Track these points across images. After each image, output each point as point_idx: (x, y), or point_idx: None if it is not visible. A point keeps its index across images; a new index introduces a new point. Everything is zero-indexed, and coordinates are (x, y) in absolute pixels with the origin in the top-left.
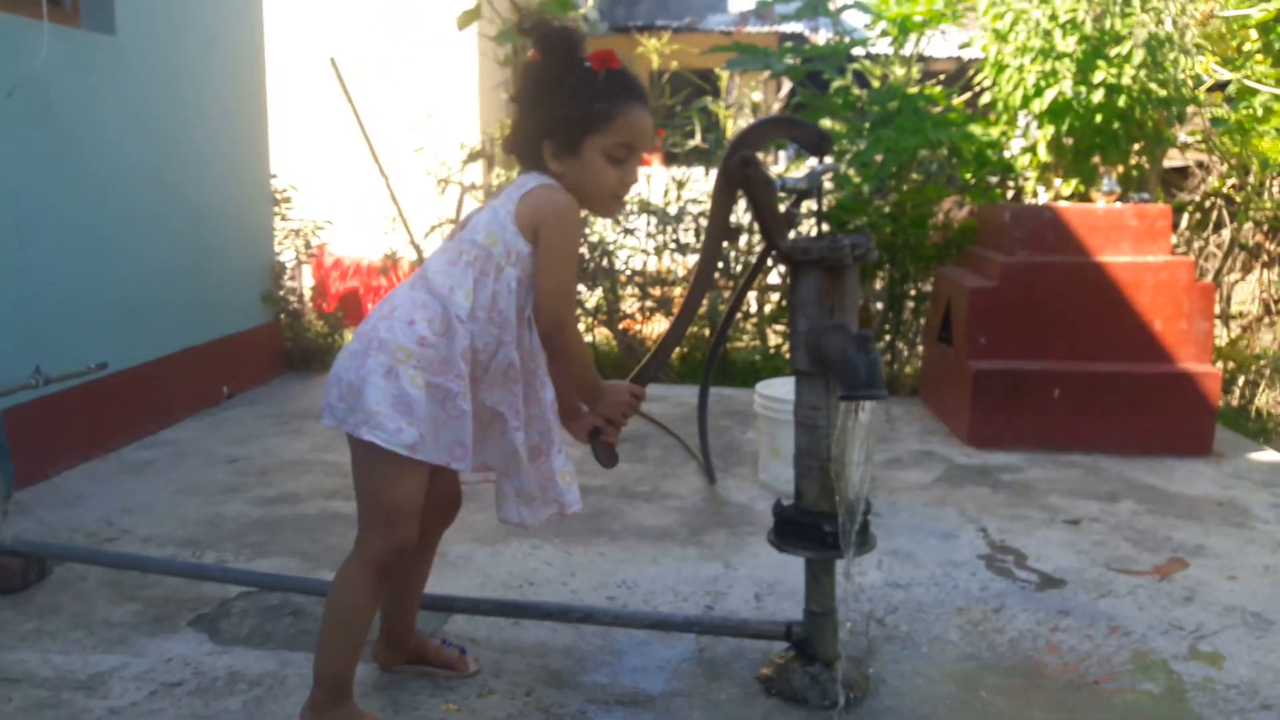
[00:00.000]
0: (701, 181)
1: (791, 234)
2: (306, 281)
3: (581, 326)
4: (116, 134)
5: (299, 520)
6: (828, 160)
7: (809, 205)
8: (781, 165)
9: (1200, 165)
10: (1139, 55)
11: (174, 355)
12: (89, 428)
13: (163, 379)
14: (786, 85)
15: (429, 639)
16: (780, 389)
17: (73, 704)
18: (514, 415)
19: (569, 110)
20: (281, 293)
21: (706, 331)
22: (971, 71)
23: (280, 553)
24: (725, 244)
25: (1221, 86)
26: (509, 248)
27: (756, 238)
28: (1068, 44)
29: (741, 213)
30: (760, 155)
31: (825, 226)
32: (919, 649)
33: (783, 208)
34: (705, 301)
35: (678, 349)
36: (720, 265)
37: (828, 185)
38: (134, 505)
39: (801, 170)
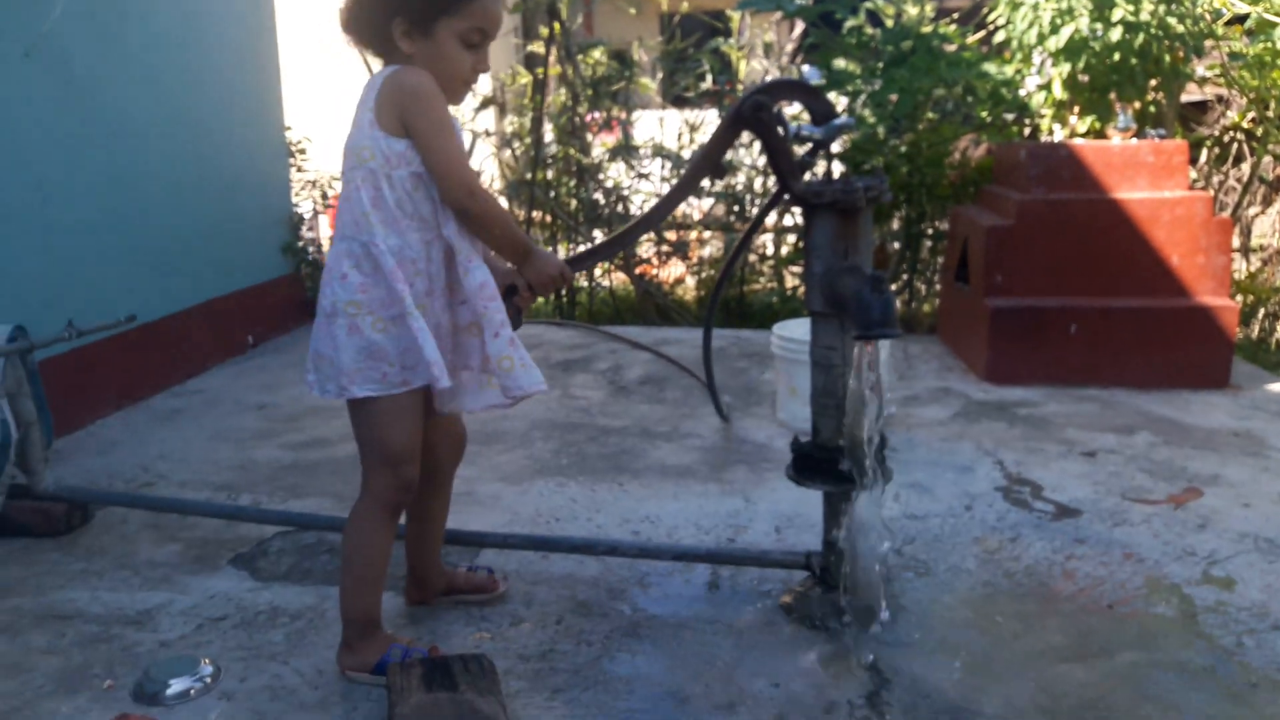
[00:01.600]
0: (715, 124)
1: (805, 176)
2: (324, 231)
3: (599, 271)
4: (132, 90)
5: (330, 463)
6: (846, 117)
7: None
8: (797, 107)
9: (1220, 99)
10: None
11: (199, 306)
12: (121, 378)
13: (189, 329)
14: (800, 25)
15: (456, 569)
16: (797, 330)
17: (124, 637)
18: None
19: None
20: (300, 244)
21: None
22: (986, 9)
23: (313, 494)
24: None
25: (1241, 19)
26: (385, 154)
27: (770, 181)
28: None
29: (757, 155)
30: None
31: (840, 166)
32: (936, 577)
33: (800, 153)
34: (721, 244)
35: (693, 294)
36: (736, 208)
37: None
38: (168, 452)
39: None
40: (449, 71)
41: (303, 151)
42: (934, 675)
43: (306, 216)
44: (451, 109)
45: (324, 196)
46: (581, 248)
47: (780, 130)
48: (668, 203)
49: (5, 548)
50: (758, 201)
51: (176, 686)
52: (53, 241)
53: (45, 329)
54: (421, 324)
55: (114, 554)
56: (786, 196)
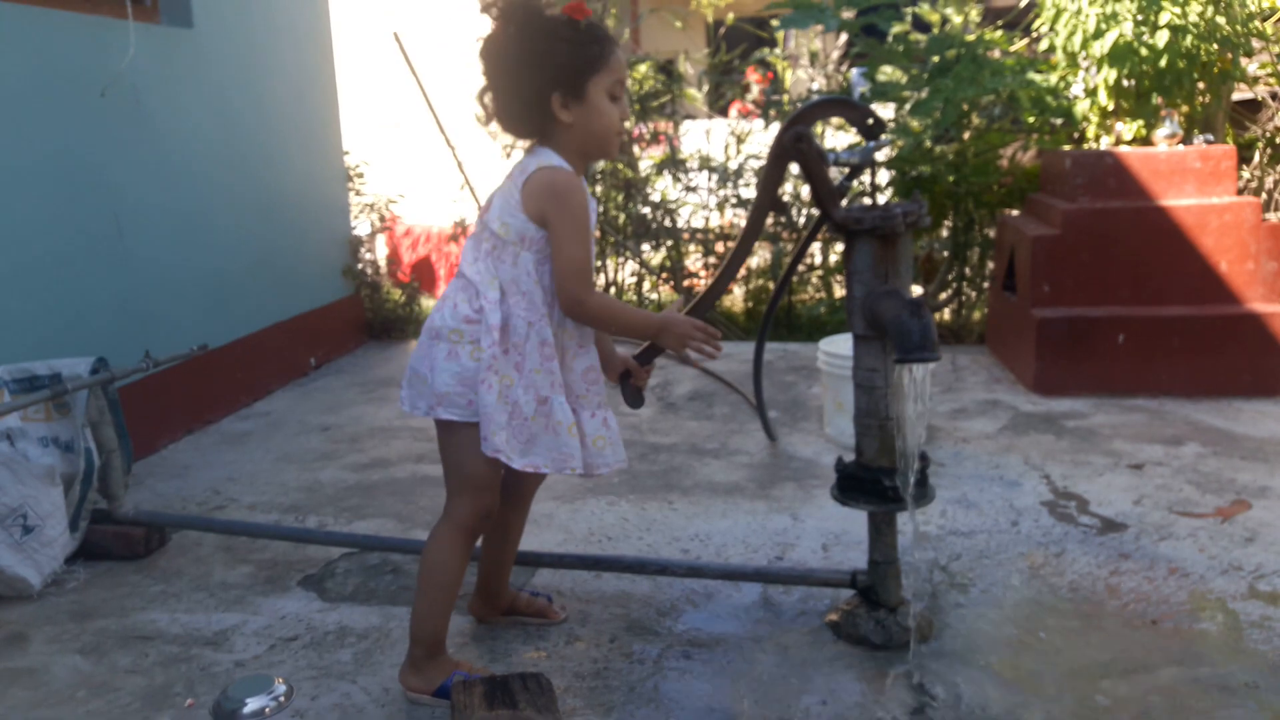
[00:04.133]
0: (761, 134)
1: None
2: (381, 252)
3: (646, 285)
4: (199, 123)
5: (392, 484)
6: (881, 138)
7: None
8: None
9: (1274, 96)
10: None
11: (264, 330)
12: (191, 402)
13: (255, 353)
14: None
15: (519, 592)
16: (843, 345)
17: (202, 657)
18: (557, 389)
19: (570, 59)
20: (360, 265)
21: (770, 285)
22: (1032, 14)
23: (377, 515)
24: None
25: None
26: (521, 234)
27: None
28: None
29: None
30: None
31: (887, 176)
32: (982, 593)
33: (839, 178)
34: (769, 254)
35: (741, 305)
36: (782, 218)
37: (886, 137)
38: (237, 474)
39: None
40: (604, 126)
41: (360, 175)
42: (978, 691)
43: (365, 238)
44: (495, 131)
45: (381, 219)
46: (629, 263)
47: (819, 159)
48: (742, 247)
49: (89, 571)
50: (804, 212)
51: (253, 705)
52: (128, 274)
53: (123, 359)
54: (491, 397)
55: (190, 576)
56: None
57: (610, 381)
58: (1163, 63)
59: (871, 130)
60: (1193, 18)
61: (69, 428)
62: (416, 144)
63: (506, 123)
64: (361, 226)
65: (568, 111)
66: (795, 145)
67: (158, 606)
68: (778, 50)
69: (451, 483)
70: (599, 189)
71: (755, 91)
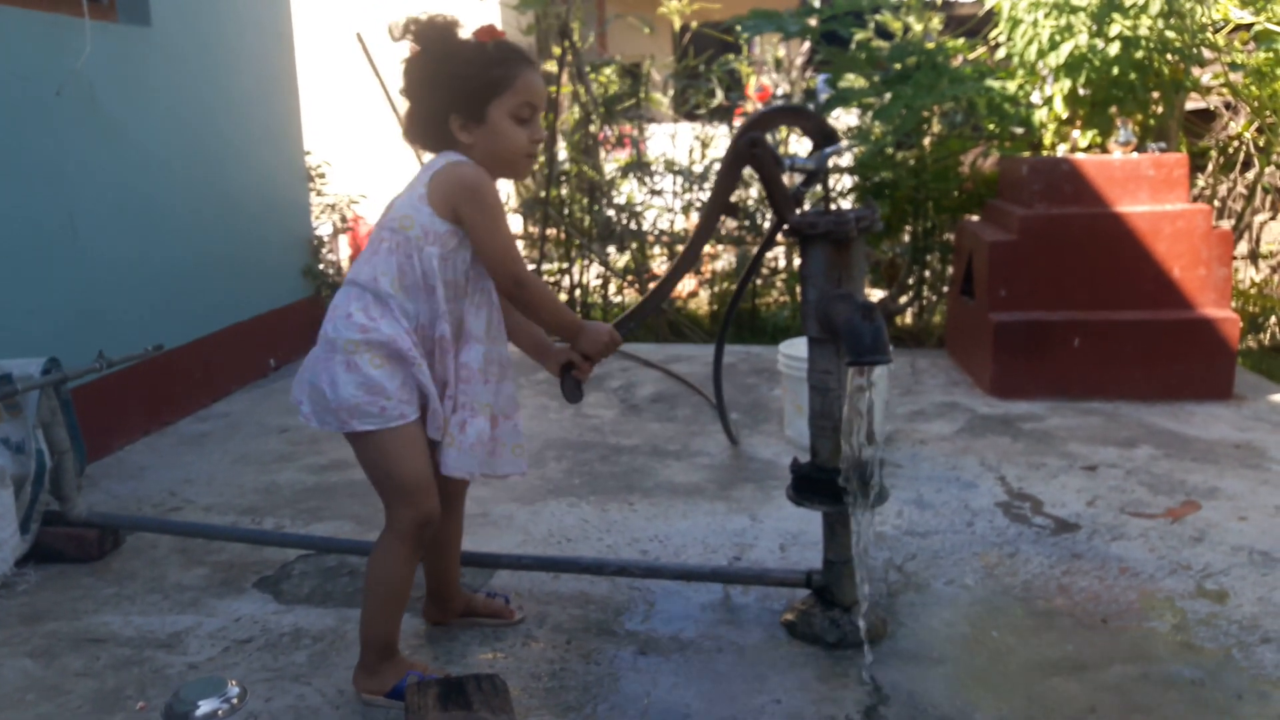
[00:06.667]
0: (726, 139)
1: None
2: (343, 253)
3: (611, 288)
4: (157, 122)
5: (350, 486)
6: (837, 143)
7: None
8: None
9: (1227, 105)
10: (1157, 5)
11: (223, 331)
12: (148, 403)
13: (213, 354)
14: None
15: (475, 593)
16: (803, 348)
17: (155, 660)
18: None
19: (468, 81)
20: (321, 266)
21: (734, 288)
22: (991, 24)
23: (334, 517)
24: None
25: (1248, 27)
26: (425, 229)
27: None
28: None
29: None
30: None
31: (849, 181)
32: (936, 593)
33: (796, 183)
34: (733, 257)
35: (706, 308)
36: (747, 222)
37: (848, 140)
38: (194, 476)
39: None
40: (509, 148)
41: (322, 175)
42: (930, 690)
43: (326, 239)
44: None
45: (343, 219)
46: (594, 265)
47: (774, 164)
48: (692, 251)
49: (41, 573)
50: (767, 216)
51: (205, 707)
52: (83, 273)
53: (77, 359)
54: (426, 378)
55: (144, 578)
56: (784, 227)
57: (551, 373)
58: (1115, 72)
59: (823, 139)
60: (1144, 30)
61: (20, 429)
62: (379, 145)
63: (414, 137)
64: (323, 227)
65: (467, 133)
66: (750, 150)
67: (110, 609)
68: (743, 56)
69: (385, 494)
70: (564, 191)
71: (719, 96)
